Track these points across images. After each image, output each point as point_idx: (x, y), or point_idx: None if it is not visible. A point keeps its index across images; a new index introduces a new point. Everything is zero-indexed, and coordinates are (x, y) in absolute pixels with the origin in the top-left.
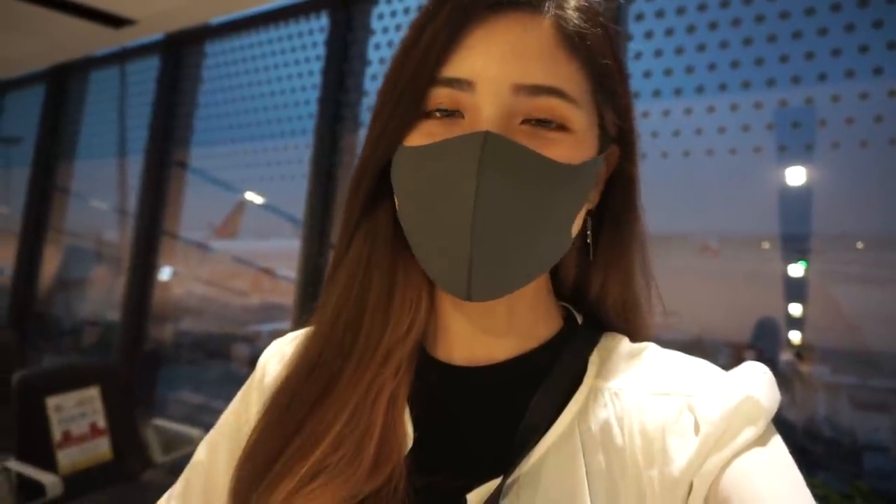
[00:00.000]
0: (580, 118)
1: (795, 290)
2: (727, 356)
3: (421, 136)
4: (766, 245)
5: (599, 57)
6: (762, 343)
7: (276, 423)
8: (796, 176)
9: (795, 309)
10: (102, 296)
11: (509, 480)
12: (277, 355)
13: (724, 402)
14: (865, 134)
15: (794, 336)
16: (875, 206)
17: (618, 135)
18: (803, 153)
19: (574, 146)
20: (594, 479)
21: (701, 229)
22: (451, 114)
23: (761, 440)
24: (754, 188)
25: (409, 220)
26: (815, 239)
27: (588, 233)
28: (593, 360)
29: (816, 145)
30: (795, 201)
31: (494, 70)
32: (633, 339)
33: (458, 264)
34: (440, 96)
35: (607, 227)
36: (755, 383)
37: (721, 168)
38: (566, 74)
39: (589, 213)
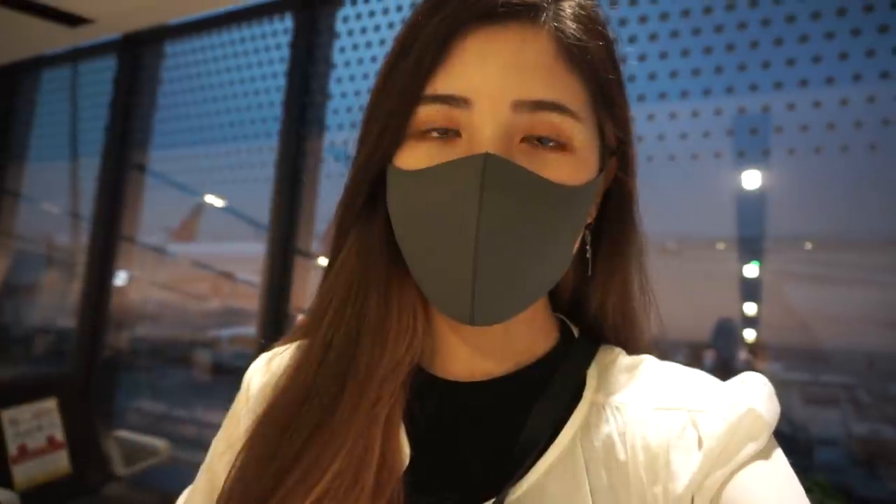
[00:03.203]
0: (582, 133)
1: (750, 289)
2: (685, 356)
3: (415, 158)
4: (720, 246)
5: (599, 68)
6: (719, 342)
7: (268, 454)
8: (753, 180)
9: (750, 308)
10: (54, 302)
11: (511, 499)
12: (262, 370)
13: (727, 416)
14: (819, 140)
15: (749, 335)
16: (828, 209)
17: (616, 147)
18: (761, 158)
19: (576, 166)
20: (598, 496)
21: (660, 231)
22: (446, 132)
23: (763, 454)
24: (714, 192)
25: (407, 244)
26: (768, 240)
27: (587, 247)
28: (591, 373)
29: (773, 151)
30: (752, 204)
31: (492, 86)
32: (631, 351)
33: (461, 290)
34: (434, 114)
35: (605, 240)
36: (756, 396)
37: (682, 172)
38: (566, 88)
39: (587, 227)
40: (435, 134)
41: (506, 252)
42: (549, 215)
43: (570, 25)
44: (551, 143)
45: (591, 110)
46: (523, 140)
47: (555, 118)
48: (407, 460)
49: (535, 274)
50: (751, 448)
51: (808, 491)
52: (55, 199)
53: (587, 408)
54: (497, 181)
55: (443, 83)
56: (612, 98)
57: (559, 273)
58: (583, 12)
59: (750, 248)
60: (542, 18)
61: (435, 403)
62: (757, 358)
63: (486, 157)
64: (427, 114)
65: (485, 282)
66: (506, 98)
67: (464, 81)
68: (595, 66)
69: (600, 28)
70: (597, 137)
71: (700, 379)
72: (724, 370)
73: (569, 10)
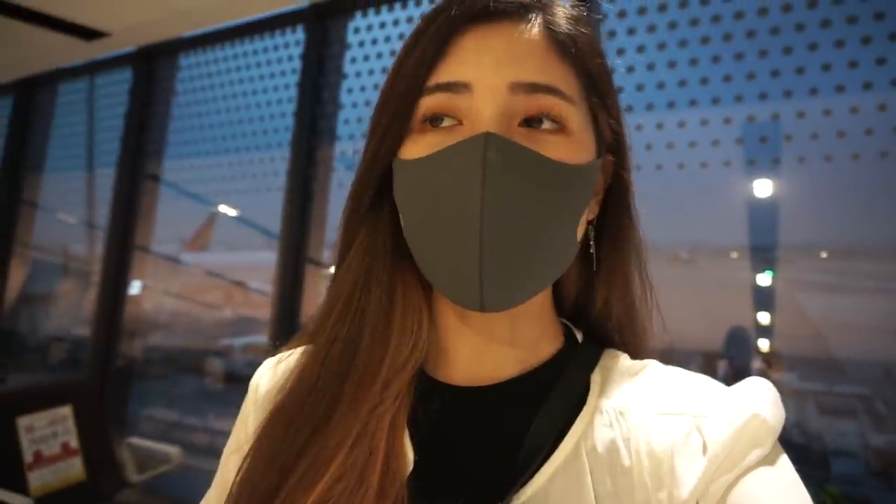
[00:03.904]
0: (577, 118)
1: (763, 299)
2: (698, 365)
3: (419, 148)
4: (734, 255)
5: (589, 60)
6: (733, 351)
7: (272, 453)
8: (764, 188)
9: (764, 317)
10: (69, 311)
11: None
12: (269, 373)
13: (732, 421)
14: (829, 149)
15: (763, 344)
16: (840, 217)
17: (612, 140)
18: (770, 167)
19: (573, 147)
20: (602, 502)
21: (672, 240)
22: (450, 120)
23: (768, 459)
24: (724, 200)
25: (414, 233)
26: (781, 249)
27: (591, 243)
28: (595, 378)
29: (783, 159)
30: (763, 213)
31: (490, 72)
32: (635, 354)
33: (469, 274)
34: (437, 103)
35: (607, 236)
36: (761, 401)
37: (692, 181)
38: (559, 76)
39: (590, 223)
40: (440, 122)
41: (510, 229)
42: (549, 194)
43: (560, 21)
44: (548, 125)
45: (584, 98)
46: (521, 124)
47: (550, 100)
48: (411, 465)
49: (540, 256)
50: (756, 454)
51: (821, 502)
52: (71, 209)
53: (591, 413)
54: (498, 158)
55: (444, 74)
56: (604, 90)
57: (565, 260)
58: (571, 12)
59: (762, 256)
60: (533, 16)
61: (437, 408)
62: (771, 368)
63: (487, 136)
64: (429, 103)
65: (491, 261)
66: (503, 81)
67: (464, 70)
68: (585, 57)
69: (587, 25)
70: (591, 124)
71: (704, 383)
72: (738, 380)
73: (558, 10)
